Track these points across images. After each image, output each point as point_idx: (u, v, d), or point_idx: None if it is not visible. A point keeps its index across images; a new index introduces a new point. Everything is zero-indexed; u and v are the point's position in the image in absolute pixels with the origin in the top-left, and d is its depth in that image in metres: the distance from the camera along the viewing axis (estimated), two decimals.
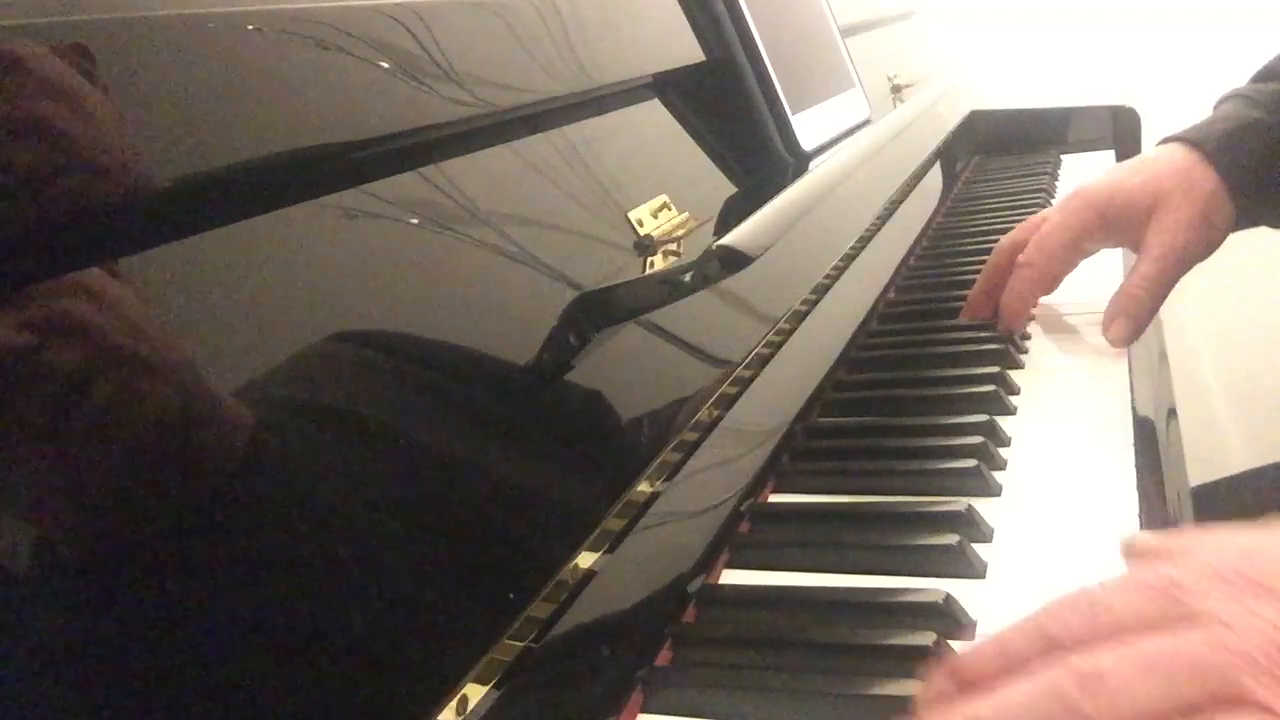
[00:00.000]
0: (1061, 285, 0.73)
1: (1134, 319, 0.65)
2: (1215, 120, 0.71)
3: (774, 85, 0.78)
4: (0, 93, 0.29)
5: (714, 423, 0.53)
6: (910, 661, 0.38)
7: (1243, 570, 0.30)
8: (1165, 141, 0.71)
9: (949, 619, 0.41)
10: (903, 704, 0.36)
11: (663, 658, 0.42)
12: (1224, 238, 0.69)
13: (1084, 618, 0.31)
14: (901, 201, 0.98)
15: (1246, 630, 0.28)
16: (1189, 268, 0.68)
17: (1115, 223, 0.69)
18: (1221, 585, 0.30)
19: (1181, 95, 0.79)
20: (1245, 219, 0.70)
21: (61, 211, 0.30)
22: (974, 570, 0.45)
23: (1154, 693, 0.28)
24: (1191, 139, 0.69)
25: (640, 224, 0.57)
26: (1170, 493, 0.55)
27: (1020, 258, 0.71)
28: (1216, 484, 0.83)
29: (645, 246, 0.56)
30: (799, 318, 0.67)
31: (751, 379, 0.58)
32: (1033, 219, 0.74)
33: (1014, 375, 0.65)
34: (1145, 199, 0.67)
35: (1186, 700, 0.27)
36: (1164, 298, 0.67)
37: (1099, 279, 0.75)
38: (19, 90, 0.29)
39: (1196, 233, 0.66)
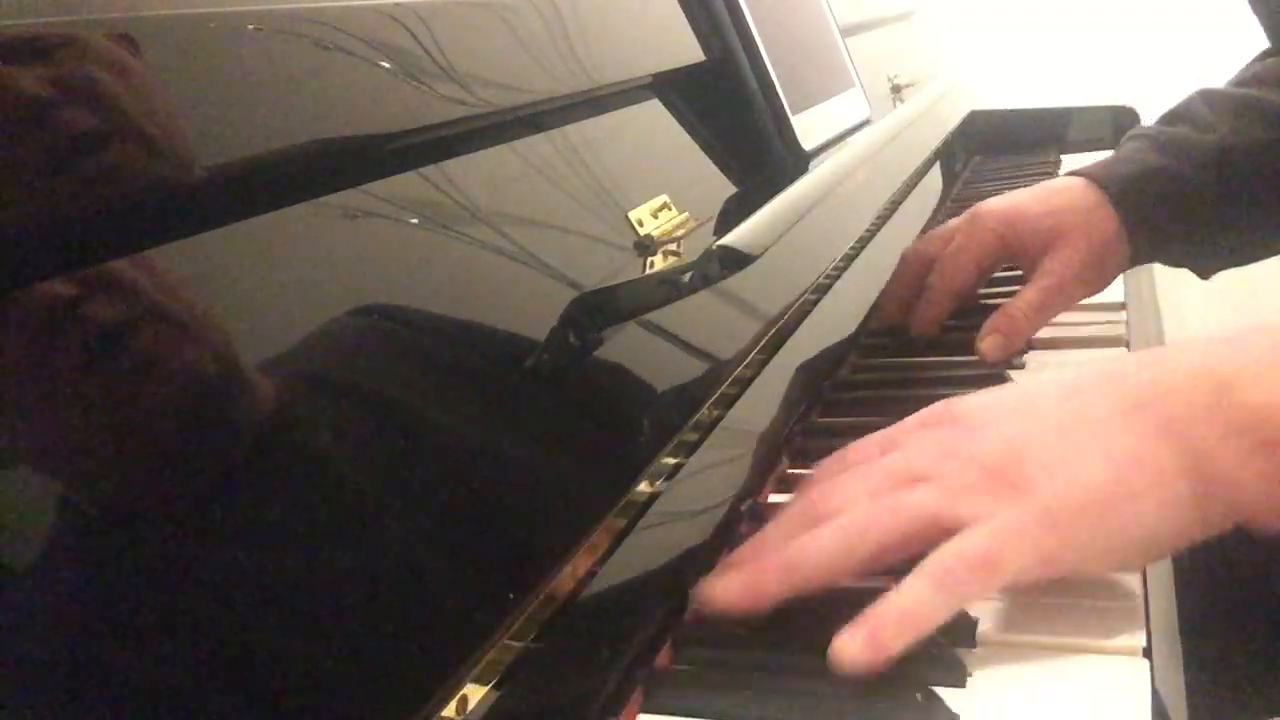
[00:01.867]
0: None
1: (1008, 338, 0.67)
2: (1121, 161, 0.73)
3: (774, 85, 0.78)
4: (62, 76, 0.30)
5: (714, 423, 0.53)
6: (909, 662, 0.38)
7: (940, 416, 0.45)
8: (1073, 174, 0.73)
9: (948, 620, 0.41)
10: (902, 704, 0.36)
11: (663, 658, 0.42)
12: (1114, 277, 0.72)
13: (842, 475, 0.45)
14: (901, 201, 0.98)
15: (921, 450, 0.43)
16: (1073, 303, 0.70)
17: (1014, 247, 0.71)
18: (921, 428, 0.45)
19: (1181, 95, 0.79)
20: (1140, 259, 0.72)
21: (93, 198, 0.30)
22: None
23: (860, 487, 0.42)
24: (1098, 178, 0.71)
25: (640, 224, 0.57)
26: None
27: (930, 279, 0.73)
28: None
29: (645, 246, 0.56)
30: (799, 318, 0.67)
31: (751, 379, 0.58)
32: (939, 232, 0.76)
33: (1014, 375, 0.65)
34: (1045, 229, 0.70)
35: (880, 489, 0.41)
36: (1041, 325, 0.69)
37: None
38: (80, 73, 0.31)
39: (1087, 272, 0.69)
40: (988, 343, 0.66)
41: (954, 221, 0.75)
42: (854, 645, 0.36)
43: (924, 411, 0.46)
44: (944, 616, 0.37)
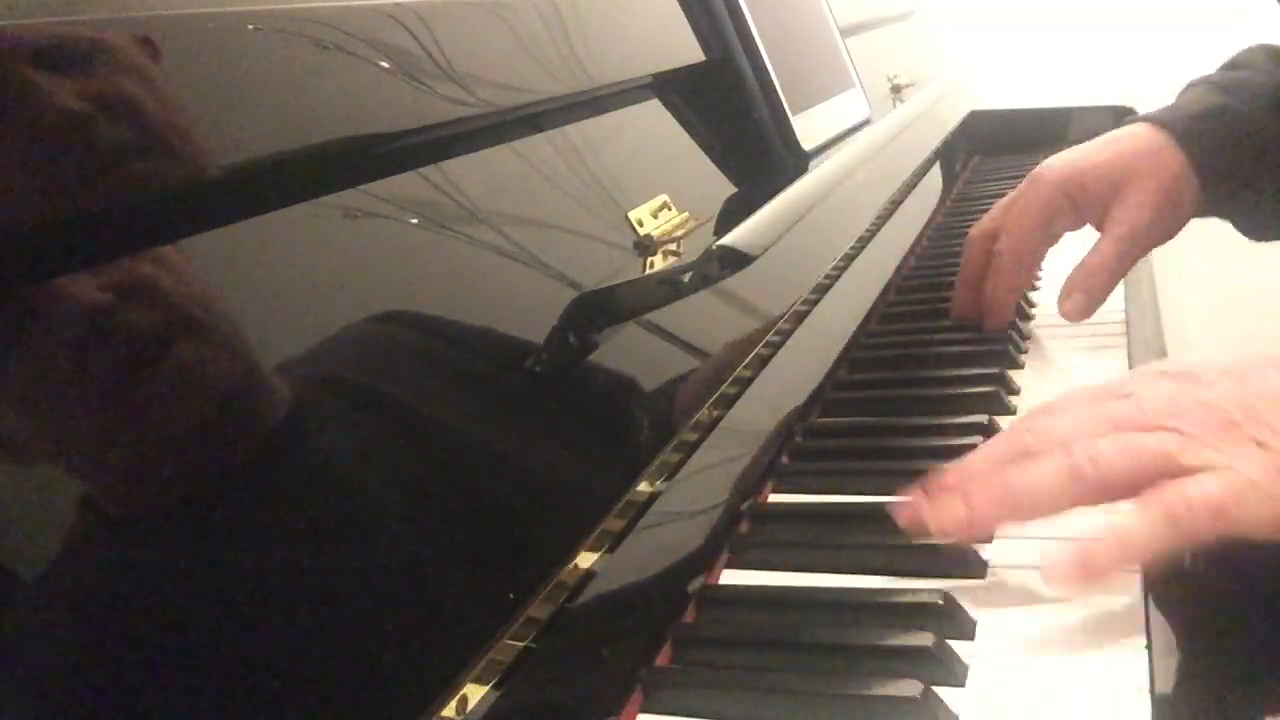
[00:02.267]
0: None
1: (1090, 294, 0.65)
2: (1183, 104, 0.70)
3: (774, 85, 0.78)
4: (92, 76, 0.31)
5: (714, 423, 0.53)
6: (910, 662, 0.38)
7: (1164, 369, 0.43)
8: (1133, 121, 0.71)
9: (948, 619, 0.41)
10: (902, 705, 0.36)
11: (663, 658, 0.42)
12: (1186, 220, 0.68)
13: (1066, 415, 0.43)
14: (901, 201, 0.98)
15: (1154, 399, 0.41)
16: (1151, 248, 0.68)
17: (1080, 201, 0.68)
18: (1150, 378, 0.43)
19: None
20: (1209, 204, 0.69)
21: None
22: (973, 570, 0.45)
23: (1084, 428, 0.41)
24: (1160, 119, 0.68)
25: (640, 224, 0.57)
26: None
27: (996, 247, 0.70)
28: None
29: (645, 246, 0.56)
30: (799, 317, 0.67)
31: (751, 379, 0.58)
32: (1000, 205, 0.73)
33: (1014, 375, 0.65)
34: (1111, 176, 0.67)
35: (1106, 431, 0.40)
36: (1122, 275, 0.67)
37: None
38: (110, 74, 0.31)
39: (1161, 212, 0.66)
40: (1070, 302, 0.64)
41: (1012, 192, 0.72)
42: (1065, 566, 0.37)
43: (1147, 366, 0.45)
44: (1162, 550, 0.37)
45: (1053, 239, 0.71)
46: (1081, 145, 0.70)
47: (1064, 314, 0.65)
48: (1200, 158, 0.66)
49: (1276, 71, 0.70)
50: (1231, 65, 0.74)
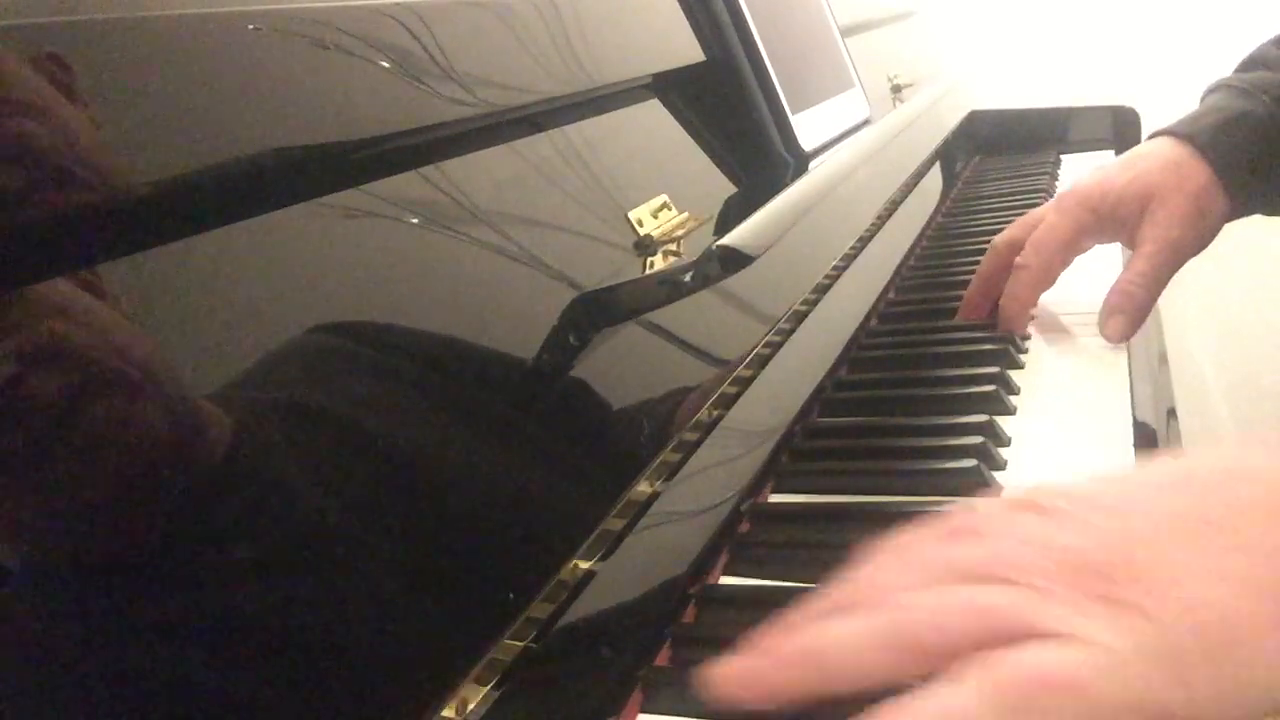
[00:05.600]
0: (1060, 286, 0.73)
1: (1129, 315, 0.65)
2: (1204, 113, 0.71)
3: (774, 85, 0.78)
4: None
5: (714, 423, 0.53)
6: None
7: (1030, 500, 0.32)
8: (1155, 135, 0.71)
9: None
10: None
11: (663, 658, 0.42)
12: (1218, 230, 0.69)
13: (896, 562, 0.33)
14: (901, 201, 0.98)
15: (1006, 541, 0.31)
16: (1183, 262, 0.68)
17: (1109, 220, 0.69)
18: (1009, 512, 0.32)
19: (1181, 95, 0.79)
20: (1239, 209, 0.69)
21: (43, 217, 0.30)
22: None
23: (917, 575, 0.31)
24: (1182, 133, 0.69)
25: (640, 224, 0.57)
26: None
27: (1018, 259, 0.71)
28: None
29: (645, 246, 0.56)
30: (799, 317, 0.67)
31: (751, 379, 0.58)
32: (1027, 217, 0.74)
33: (1014, 375, 0.65)
34: (1138, 195, 0.67)
35: (943, 580, 0.31)
36: (1159, 293, 0.67)
37: (1098, 280, 0.75)
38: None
39: (1190, 227, 0.66)
40: (1111, 325, 0.64)
41: (1040, 209, 0.73)
42: None
43: (1007, 497, 0.35)
44: None
45: (1077, 254, 0.72)
46: (1106, 165, 0.71)
47: (1106, 336, 0.65)
48: (1225, 169, 0.67)
49: None
50: (1249, 64, 0.73)
